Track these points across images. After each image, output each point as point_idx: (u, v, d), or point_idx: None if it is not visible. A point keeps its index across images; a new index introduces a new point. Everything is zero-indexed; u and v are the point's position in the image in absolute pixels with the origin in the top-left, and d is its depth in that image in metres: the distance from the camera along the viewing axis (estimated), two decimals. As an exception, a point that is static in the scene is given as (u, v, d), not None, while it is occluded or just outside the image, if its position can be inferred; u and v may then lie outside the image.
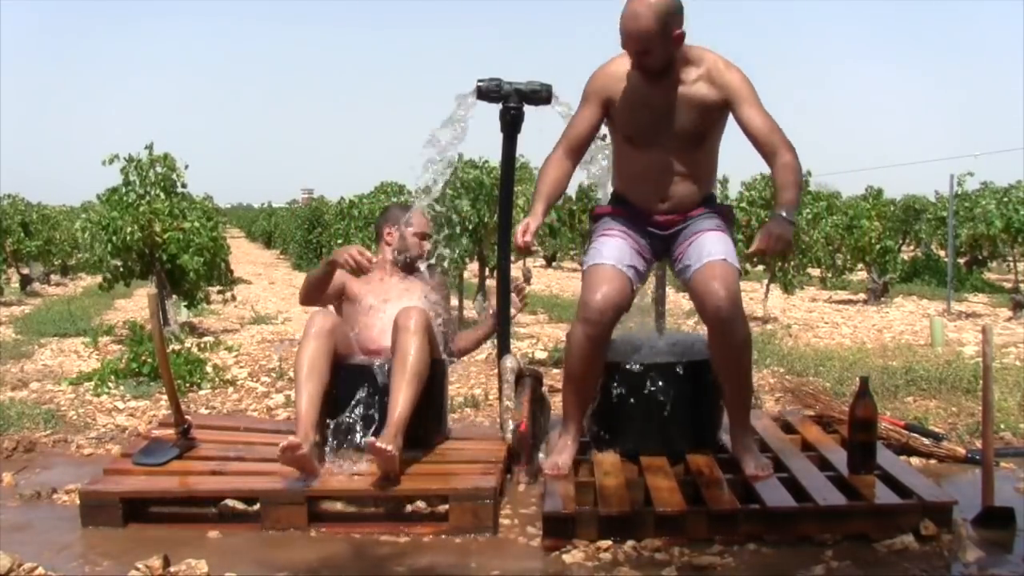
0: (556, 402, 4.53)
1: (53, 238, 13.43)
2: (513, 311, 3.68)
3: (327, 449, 3.17)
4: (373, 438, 2.95)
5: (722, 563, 2.58)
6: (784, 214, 2.95)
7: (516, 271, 3.52)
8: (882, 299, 9.76)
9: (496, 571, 2.58)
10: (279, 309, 9.44)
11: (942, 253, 14.31)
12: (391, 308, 3.44)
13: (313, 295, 3.58)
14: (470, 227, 7.26)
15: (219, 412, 4.68)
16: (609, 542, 2.69)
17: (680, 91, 3.04)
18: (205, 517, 3.02)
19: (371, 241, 7.66)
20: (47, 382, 5.43)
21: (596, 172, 3.61)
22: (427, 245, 3.68)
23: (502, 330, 3.74)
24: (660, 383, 3.17)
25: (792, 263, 8.55)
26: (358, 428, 3.22)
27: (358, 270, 3.37)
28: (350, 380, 3.28)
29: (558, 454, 3.16)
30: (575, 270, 15.96)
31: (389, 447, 2.91)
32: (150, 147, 7.46)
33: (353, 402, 3.25)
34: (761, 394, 4.52)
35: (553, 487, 2.97)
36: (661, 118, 3.06)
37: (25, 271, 13.06)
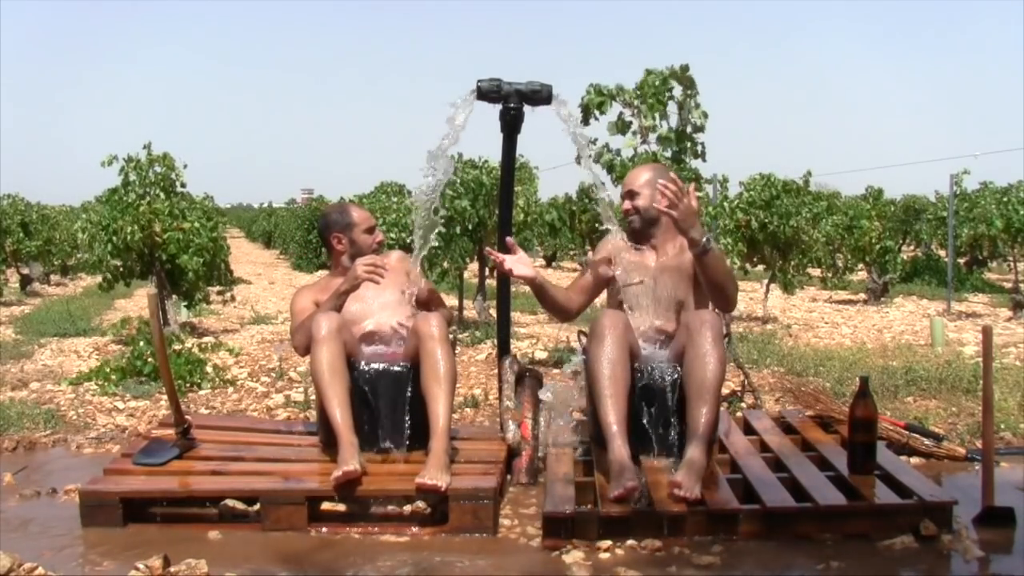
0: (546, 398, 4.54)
1: (53, 238, 13.40)
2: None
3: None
4: (421, 479, 2.90)
5: (722, 563, 2.58)
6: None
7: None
8: (882, 299, 9.76)
9: (496, 571, 2.58)
10: (279, 309, 9.43)
11: (942, 253, 14.30)
12: (375, 307, 3.43)
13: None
14: (470, 227, 7.26)
15: (219, 412, 4.68)
16: (609, 542, 2.69)
17: None
18: (205, 517, 3.02)
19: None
20: (47, 382, 5.43)
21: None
22: (379, 235, 3.57)
23: (502, 330, 3.73)
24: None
25: (792, 263, 8.55)
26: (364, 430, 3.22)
27: (381, 275, 3.28)
28: (360, 383, 3.26)
29: (618, 477, 2.84)
30: (575, 270, 15.96)
31: (439, 483, 2.89)
32: (148, 147, 7.46)
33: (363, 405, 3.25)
34: (761, 394, 4.52)
35: (553, 487, 2.97)
36: None
37: (25, 271, 13.04)
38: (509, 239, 3.34)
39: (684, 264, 3.25)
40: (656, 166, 3.65)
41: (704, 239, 3.06)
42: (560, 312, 3.45)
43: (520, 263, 3.25)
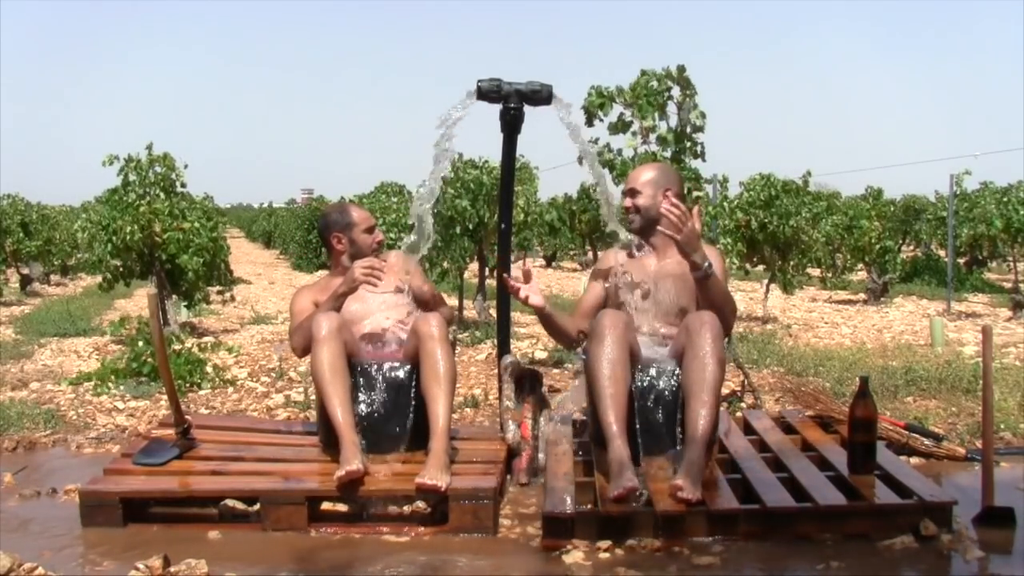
0: (556, 402, 4.54)
1: (53, 238, 13.41)
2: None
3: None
4: (421, 479, 2.89)
5: (722, 563, 2.58)
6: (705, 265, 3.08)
7: (516, 270, 3.51)
8: (882, 299, 9.76)
9: (496, 571, 2.58)
10: (279, 309, 9.44)
11: (942, 253, 14.30)
12: (375, 307, 3.43)
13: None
14: (470, 227, 7.26)
15: (219, 412, 4.68)
16: (609, 542, 2.69)
17: None
18: (205, 517, 3.03)
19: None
20: (47, 382, 5.43)
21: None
22: (379, 235, 3.57)
23: (502, 330, 3.73)
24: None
25: (792, 263, 8.55)
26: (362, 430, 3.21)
27: (378, 277, 3.27)
28: (360, 383, 3.27)
29: (618, 477, 2.83)
30: (575, 270, 15.95)
31: (439, 483, 2.88)
32: (149, 147, 7.47)
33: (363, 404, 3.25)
34: (761, 394, 4.52)
35: (553, 487, 2.96)
36: None
37: (25, 271, 13.05)
38: (527, 267, 3.34)
39: (689, 273, 3.22)
40: (661, 166, 3.64)
41: (706, 264, 3.06)
42: (567, 340, 3.44)
43: (532, 291, 3.26)
